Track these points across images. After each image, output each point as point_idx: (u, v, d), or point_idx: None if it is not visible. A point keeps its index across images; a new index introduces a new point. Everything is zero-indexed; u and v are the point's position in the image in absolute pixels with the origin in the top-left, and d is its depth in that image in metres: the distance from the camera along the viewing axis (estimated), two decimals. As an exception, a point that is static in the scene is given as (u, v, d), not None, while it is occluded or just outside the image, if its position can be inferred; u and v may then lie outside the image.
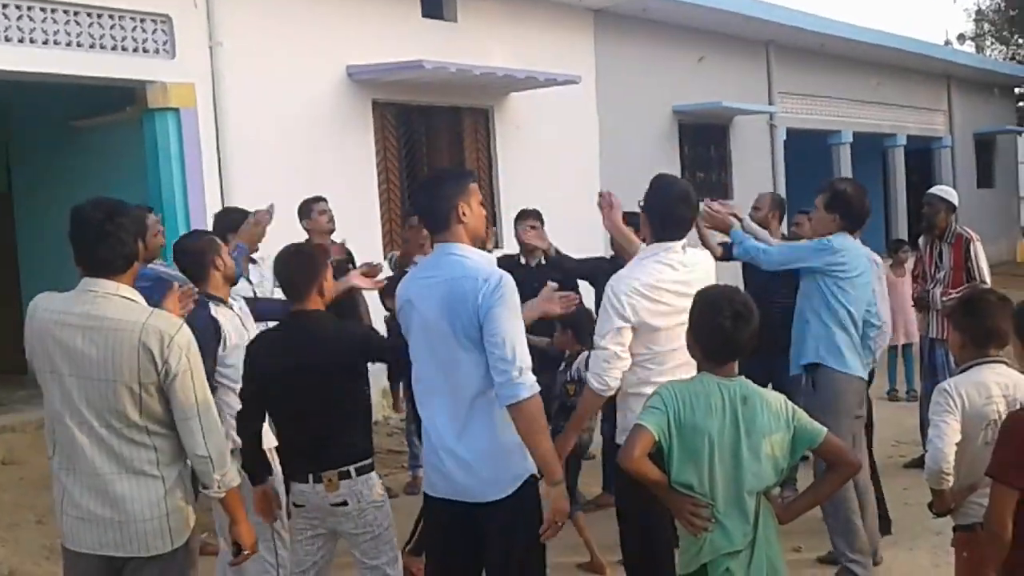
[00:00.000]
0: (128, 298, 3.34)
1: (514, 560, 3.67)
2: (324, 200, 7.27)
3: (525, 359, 3.51)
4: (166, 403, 3.30)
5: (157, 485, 3.32)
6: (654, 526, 4.19)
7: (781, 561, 3.37)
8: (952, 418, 3.71)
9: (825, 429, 3.38)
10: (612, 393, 4.21)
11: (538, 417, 3.54)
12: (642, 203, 4.44)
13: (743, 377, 3.38)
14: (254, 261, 6.67)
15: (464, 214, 3.67)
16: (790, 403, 3.39)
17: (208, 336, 4.42)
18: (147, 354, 3.23)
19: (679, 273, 4.22)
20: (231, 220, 6.27)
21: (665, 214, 4.34)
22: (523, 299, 3.73)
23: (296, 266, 4.15)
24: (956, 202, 7.47)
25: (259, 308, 5.13)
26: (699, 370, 3.40)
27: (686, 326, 3.46)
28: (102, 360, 3.24)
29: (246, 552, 3.58)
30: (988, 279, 7.19)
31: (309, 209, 7.22)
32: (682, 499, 3.27)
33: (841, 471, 3.43)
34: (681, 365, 4.00)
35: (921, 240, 7.70)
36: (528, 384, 3.48)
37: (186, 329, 3.36)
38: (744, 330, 3.30)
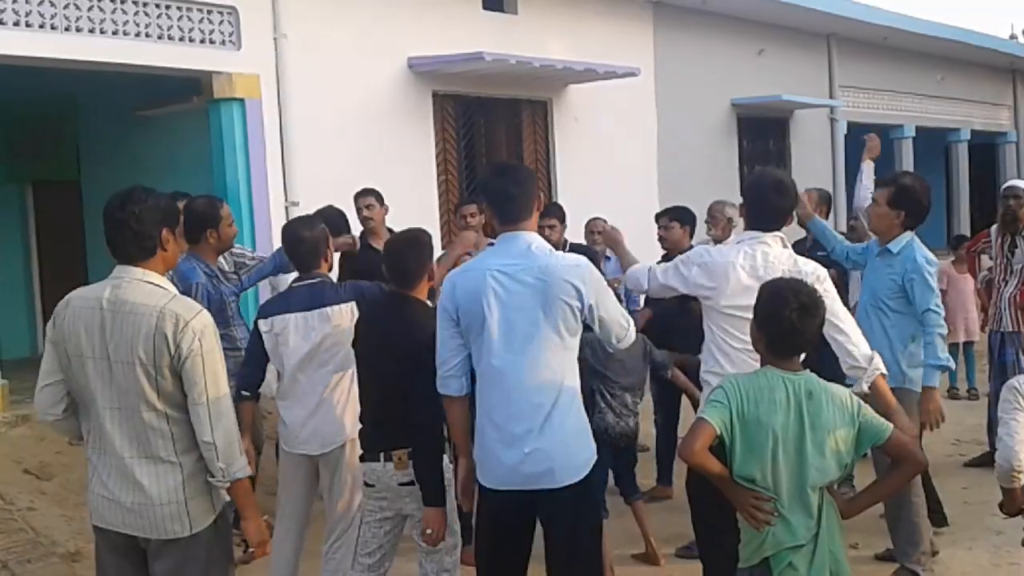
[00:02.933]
0: (153, 283, 3.41)
1: (582, 544, 3.72)
2: (370, 194, 7.31)
3: (628, 319, 3.90)
4: (181, 387, 3.34)
5: (175, 471, 3.37)
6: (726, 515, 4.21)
7: (844, 556, 3.37)
8: (1022, 415, 3.67)
9: (891, 425, 3.36)
10: None
11: None
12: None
13: (808, 371, 3.37)
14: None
15: (539, 207, 3.84)
16: (856, 398, 3.38)
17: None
18: (162, 337, 3.29)
19: (756, 262, 4.22)
20: (330, 219, 6.36)
21: (755, 203, 4.38)
22: None
23: (404, 253, 4.26)
24: None
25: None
26: (763, 363, 3.40)
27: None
28: (124, 343, 3.32)
29: (252, 550, 3.54)
30: None
31: (356, 202, 7.32)
32: (745, 493, 3.28)
33: (906, 468, 3.41)
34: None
35: (993, 231, 7.54)
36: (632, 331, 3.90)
37: (205, 315, 3.41)
38: (810, 322, 3.29)
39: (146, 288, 3.38)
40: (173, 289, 3.48)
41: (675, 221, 6.82)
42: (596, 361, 5.45)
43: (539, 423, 3.64)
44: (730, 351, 4.20)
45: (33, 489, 6.82)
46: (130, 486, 3.37)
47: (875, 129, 17.12)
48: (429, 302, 4.41)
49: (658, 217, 7.10)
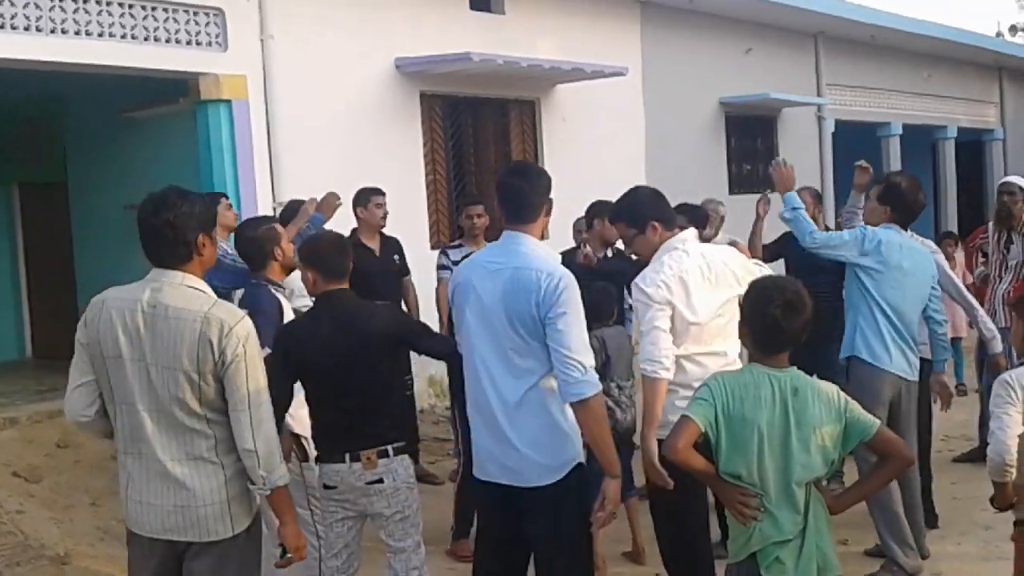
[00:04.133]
0: (194, 287, 3.38)
1: (563, 544, 3.73)
2: (382, 194, 7.37)
3: (588, 357, 3.60)
4: (223, 392, 3.32)
5: (217, 471, 3.36)
6: (687, 515, 4.22)
7: (831, 550, 3.38)
8: (1014, 410, 3.68)
9: (878, 421, 3.38)
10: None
11: (602, 414, 3.66)
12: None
13: (795, 368, 3.39)
14: None
15: (548, 211, 3.81)
16: (843, 394, 3.39)
17: (275, 318, 4.54)
18: (206, 342, 3.26)
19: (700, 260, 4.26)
20: (296, 212, 6.39)
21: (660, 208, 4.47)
22: None
23: (330, 250, 4.28)
24: None
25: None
26: (750, 360, 3.42)
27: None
28: (165, 348, 3.29)
29: (290, 556, 3.54)
30: None
31: (368, 199, 7.30)
32: (731, 489, 3.29)
33: (893, 464, 3.42)
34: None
35: (990, 227, 7.58)
36: (593, 382, 3.58)
37: (247, 321, 3.39)
38: (795, 320, 3.30)
39: (187, 293, 3.35)
40: (212, 294, 3.45)
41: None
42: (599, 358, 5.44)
43: (512, 421, 3.67)
44: (682, 360, 4.19)
45: (22, 492, 6.81)
46: (172, 488, 3.34)
47: (862, 127, 17.33)
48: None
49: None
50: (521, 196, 3.78)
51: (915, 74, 18.69)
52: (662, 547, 4.45)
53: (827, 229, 7.10)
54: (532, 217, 3.77)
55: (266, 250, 4.80)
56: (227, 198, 7.18)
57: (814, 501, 3.32)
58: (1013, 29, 36.98)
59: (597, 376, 3.63)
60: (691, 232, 4.36)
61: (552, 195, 3.89)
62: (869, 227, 5.52)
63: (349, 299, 4.25)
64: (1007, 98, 22.20)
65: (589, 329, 3.74)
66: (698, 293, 4.17)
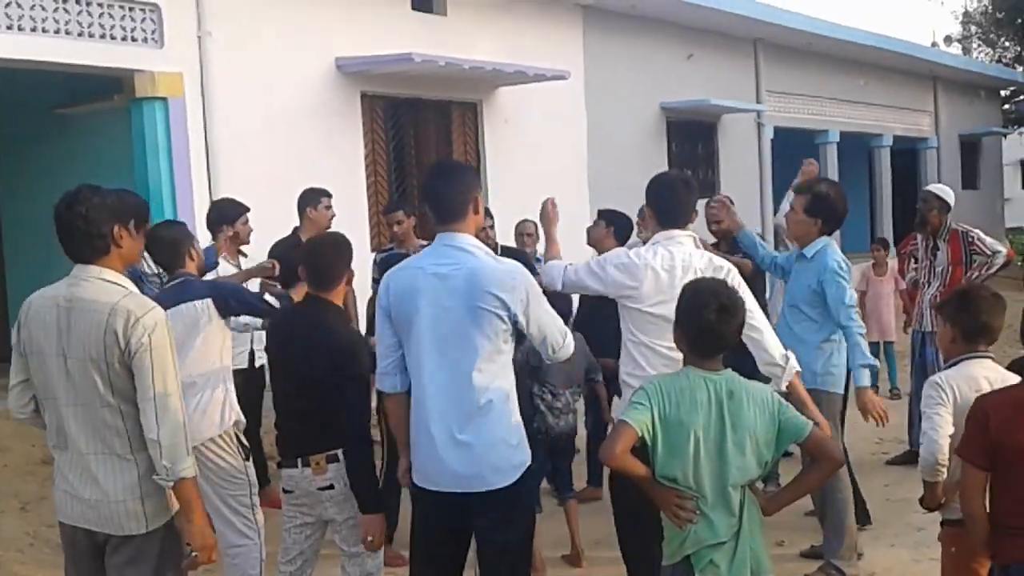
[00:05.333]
0: (110, 281, 3.41)
1: (511, 546, 3.71)
2: (331, 195, 7.27)
3: (564, 329, 3.82)
4: (134, 383, 3.35)
5: (131, 467, 3.39)
6: (649, 515, 4.22)
7: (764, 552, 3.39)
8: (945, 410, 3.74)
9: (811, 423, 3.41)
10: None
11: None
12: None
13: (730, 371, 3.40)
14: (243, 254, 6.74)
15: (476, 208, 3.77)
16: (777, 396, 3.41)
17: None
18: (112, 333, 3.30)
19: (673, 262, 4.22)
20: (223, 211, 6.31)
21: (662, 201, 4.40)
22: None
23: (326, 255, 4.22)
24: (951, 201, 7.54)
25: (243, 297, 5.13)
26: (685, 363, 3.42)
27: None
28: (79, 341, 3.35)
29: (195, 555, 3.41)
30: (1001, 248, 7.43)
31: (317, 200, 7.14)
32: (667, 492, 3.30)
33: (824, 466, 3.46)
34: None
35: (918, 237, 7.77)
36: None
37: (158, 312, 3.40)
38: (730, 323, 3.32)
39: (102, 286, 3.39)
40: (131, 287, 3.47)
41: (602, 219, 6.80)
42: (533, 361, 5.41)
43: (468, 426, 3.61)
44: (648, 353, 4.19)
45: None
46: (89, 482, 3.40)
47: (800, 134, 17.57)
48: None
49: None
50: (446, 196, 3.75)
51: (852, 82, 18.99)
52: (623, 547, 4.47)
53: (760, 236, 7.20)
54: (461, 215, 3.73)
55: (181, 251, 4.82)
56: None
57: (748, 503, 3.33)
58: (948, 39, 37.74)
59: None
60: (682, 233, 4.34)
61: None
62: (837, 259, 5.39)
63: (315, 309, 4.18)
64: (941, 107, 22.66)
65: None
66: (653, 284, 4.19)
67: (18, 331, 3.52)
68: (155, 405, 3.31)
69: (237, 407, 4.78)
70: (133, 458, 3.39)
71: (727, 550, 3.28)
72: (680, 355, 3.51)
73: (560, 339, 3.77)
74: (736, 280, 4.17)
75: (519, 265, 3.73)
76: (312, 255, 4.28)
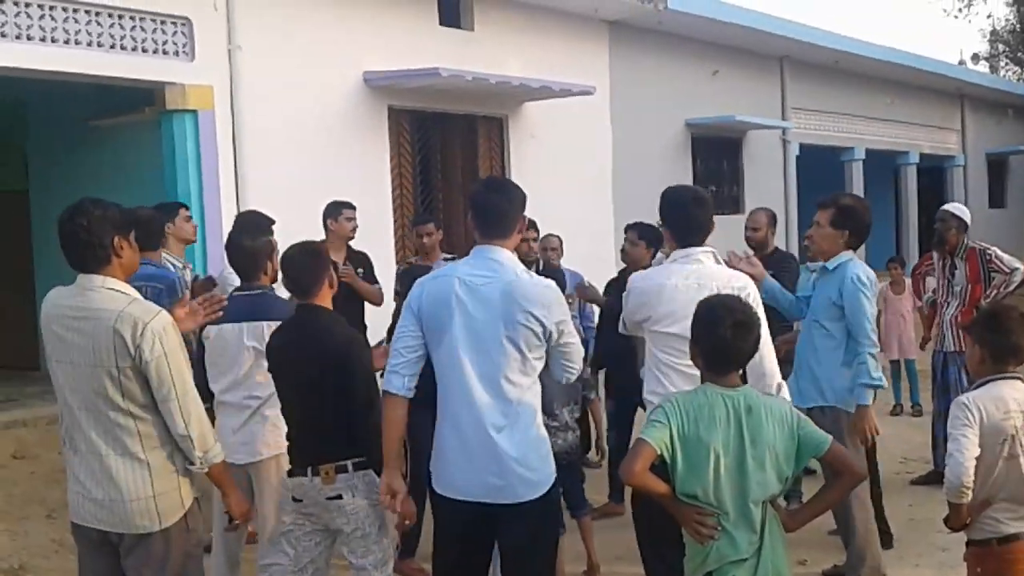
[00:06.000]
0: (114, 289, 3.54)
1: (537, 558, 3.75)
2: (354, 208, 7.34)
3: (580, 361, 3.88)
4: (145, 386, 3.48)
5: (143, 468, 3.52)
6: (671, 533, 4.22)
7: (787, 570, 3.39)
8: (972, 432, 3.72)
9: (830, 437, 3.40)
10: None
11: None
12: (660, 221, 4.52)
13: (747, 386, 3.40)
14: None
15: (521, 228, 3.85)
16: (796, 411, 3.41)
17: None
18: (120, 340, 3.43)
19: (692, 280, 4.19)
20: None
21: (678, 219, 4.40)
22: None
23: (303, 263, 4.24)
24: (968, 220, 7.53)
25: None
26: (703, 380, 3.42)
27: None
28: (86, 347, 3.47)
29: (237, 522, 3.84)
30: (1019, 265, 7.38)
31: (339, 212, 7.26)
32: (687, 509, 3.30)
33: (845, 480, 3.45)
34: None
35: (935, 255, 7.76)
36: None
37: (164, 316, 3.53)
38: (746, 339, 3.32)
39: (106, 295, 3.51)
40: (135, 293, 3.59)
41: (642, 239, 6.80)
42: None
43: (499, 436, 3.64)
44: (670, 373, 4.18)
45: (-25, 503, 6.71)
46: (103, 482, 3.51)
47: (826, 151, 17.53)
48: None
49: (626, 229, 7.07)
50: (500, 211, 3.78)
51: (878, 100, 18.94)
52: (646, 565, 4.46)
53: (776, 250, 7.23)
54: (509, 232, 3.79)
55: (259, 263, 4.83)
56: (187, 208, 7.12)
57: (770, 520, 3.33)
58: (976, 57, 37.62)
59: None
60: (699, 250, 4.32)
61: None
62: (858, 272, 5.30)
63: (316, 317, 4.22)
64: (968, 125, 22.55)
65: None
66: (670, 305, 4.17)
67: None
68: (179, 405, 3.49)
69: None
70: (145, 459, 3.52)
71: (749, 567, 3.27)
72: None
73: (579, 364, 3.85)
74: (755, 297, 4.17)
75: (553, 283, 3.79)
76: (287, 266, 4.30)
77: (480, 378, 3.65)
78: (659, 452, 3.24)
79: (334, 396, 4.05)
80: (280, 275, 4.48)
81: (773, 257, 7.01)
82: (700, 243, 4.35)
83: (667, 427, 3.26)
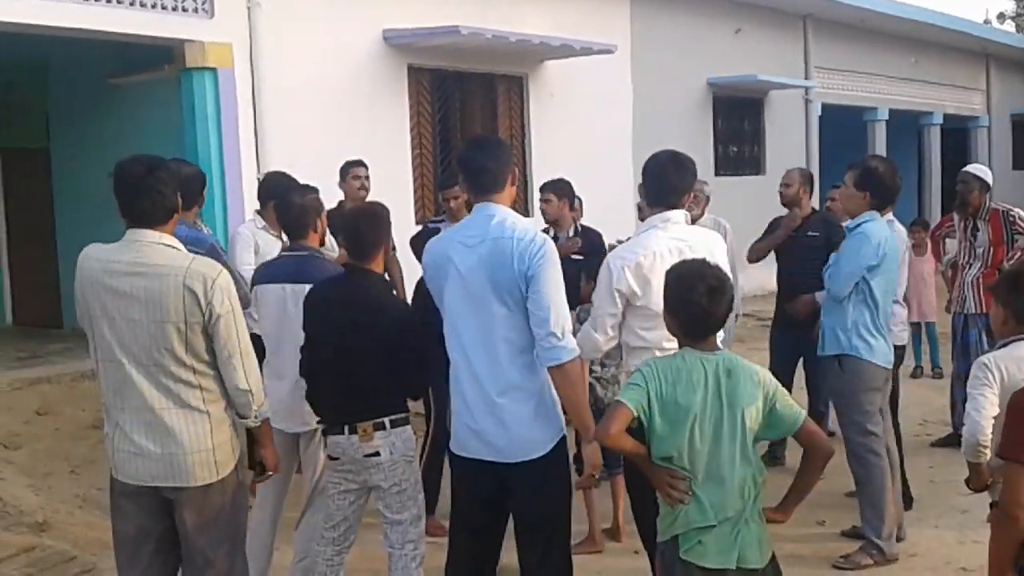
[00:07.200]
0: (171, 246, 3.57)
1: (547, 518, 3.75)
2: (362, 166, 7.28)
3: (566, 321, 3.63)
4: (209, 342, 3.53)
5: (204, 419, 3.56)
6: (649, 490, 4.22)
7: (760, 543, 3.32)
8: (991, 392, 3.70)
9: (803, 413, 3.39)
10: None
11: (578, 379, 3.71)
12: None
13: (727, 351, 3.40)
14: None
15: (513, 181, 3.81)
16: (775, 381, 3.38)
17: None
18: (192, 296, 3.46)
19: (680, 245, 4.13)
20: (274, 184, 6.28)
21: (655, 181, 4.35)
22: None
23: (365, 225, 4.25)
24: (990, 181, 7.47)
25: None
26: (680, 346, 3.41)
27: None
28: (150, 302, 3.46)
29: (269, 473, 3.92)
30: None
31: (346, 172, 7.26)
32: (660, 471, 3.30)
33: (816, 457, 3.42)
34: None
35: (955, 217, 7.70)
36: (569, 347, 3.61)
37: (227, 273, 3.58)
38: (721, 303, 3.30)
39: (165, 250, 3.54)
40: (185, 250, 3.62)
41: (552, 193, 6.75)
42: None
43: (495, 396, 3.66)
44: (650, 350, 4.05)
45: (1, 459, 6.78)
46: (161, 437, 3.53)
47: (849, 111, 17.35)
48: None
49: (542, 189, 6.96)
50: (486, 168, 3.78)
51: (902, 59, 18.71)
52: (639, 524, 4.47)
53: (813, 211, 7.16)
54: (499, 188, 3.78)
55: (306, 220, 4.71)
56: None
57: (750, 492, 3.30)
58: (1001, 17, 37.10)
59: (575, 341, 3.67)
60: (677, 213, 4.30)
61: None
62: (864, 229, 5.35)
63: (356, 278, 4.21)
64: (993, 85, 22.26)
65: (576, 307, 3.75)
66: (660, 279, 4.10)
67: (77, 290, 3.61)
68: (241, 360, 3.57)
69: None
70: (206, 410, 3.56)
71: (716, 534, 3.27)
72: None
73: (551, 316, 3.57)
74: (723, 248, 4.26)
75: (538, 232, 3.75)
76: (349, 227, 4.32)
77: (477, 339, 3.67)
78: (636, 414, 3.24)
79: (375, 355, 4.05)
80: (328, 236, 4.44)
81: (812, 219, 7.02)
82: (677, 207, 4.28)
83: (644, 390, 3.26)
